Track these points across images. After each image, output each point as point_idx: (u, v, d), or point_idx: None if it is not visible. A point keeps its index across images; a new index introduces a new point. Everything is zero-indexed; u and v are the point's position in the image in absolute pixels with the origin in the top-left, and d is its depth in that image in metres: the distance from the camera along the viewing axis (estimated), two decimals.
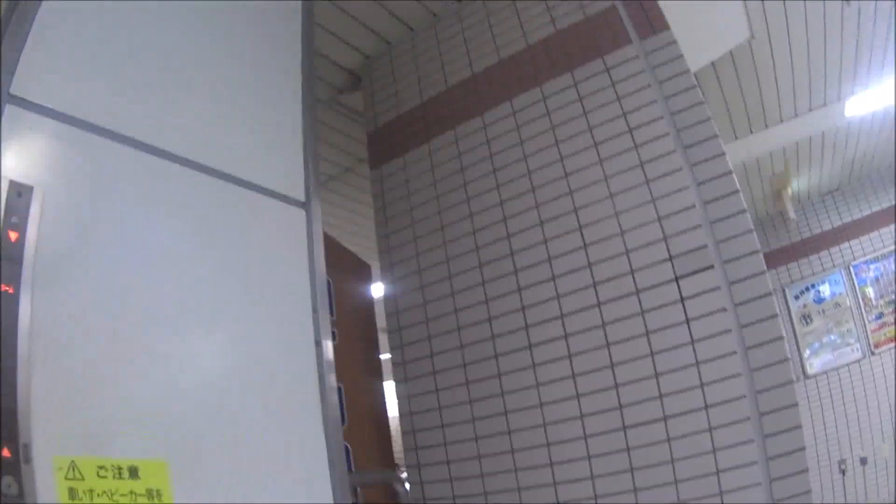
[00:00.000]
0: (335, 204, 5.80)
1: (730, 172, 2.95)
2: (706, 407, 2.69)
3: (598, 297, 2.99)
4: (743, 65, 5.63)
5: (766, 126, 6.80)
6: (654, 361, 2.81)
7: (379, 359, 4.07)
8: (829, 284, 9.18)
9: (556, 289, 3.09)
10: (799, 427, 2.59)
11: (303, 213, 2.41)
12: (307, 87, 2.57)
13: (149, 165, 1.79)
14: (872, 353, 8.88)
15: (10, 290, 1.33)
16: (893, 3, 5.15)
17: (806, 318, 9.04)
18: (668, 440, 2.72)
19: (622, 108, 3.17)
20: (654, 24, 3.37)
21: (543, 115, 3.37)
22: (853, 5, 3.91)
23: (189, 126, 1.98)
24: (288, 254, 2.26)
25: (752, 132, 6.78)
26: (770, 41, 5.48)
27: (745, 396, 2.64)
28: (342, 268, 3.90)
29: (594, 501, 2.82)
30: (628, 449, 2.80)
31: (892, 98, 7.01)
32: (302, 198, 2.40)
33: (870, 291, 9.19)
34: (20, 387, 1.31)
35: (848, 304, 9.12)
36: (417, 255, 3.53)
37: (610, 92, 3.23)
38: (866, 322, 9.05)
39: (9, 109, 1.46)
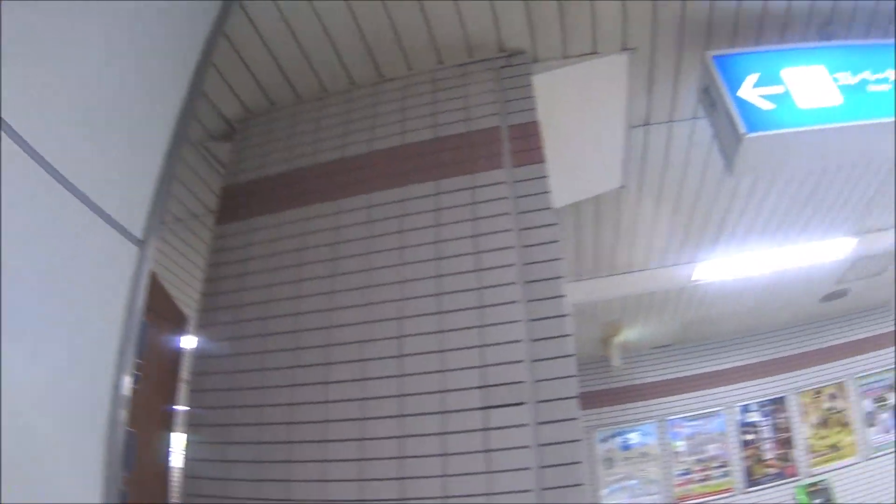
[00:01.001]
0: (170, 244, 5.61)
1: (564, 315, 2.97)
2: None
3: (400, 409, 2.91)
4: (605, 210, 5.80)
5: (612, 273, 6.99)
6: (445, 483, 2.74)
7: (174, 411, 3.90)
8: (640, 434, 9.45)
9: (362, 390, 3.00)
10: None
11: (136, 250, 2.31)
12: (181, 124, 2.49)
13: None
14: None
15: None
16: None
17: (609, 462, 9.25)
18: None
19: (474, 229, 3.19)
20: (531, 154, 3.43)
21: (397, 217, 3.35)
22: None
23: (48, 117, 1.86)
24: (111, 284, 2.14)
25: (596, 276, 6.95)
26: (639, 195, 5.66)
27: None
28: (160, 312, 3.76)
29: None
30: None
31: (737, 271, 7.39)
32: (139, 235, 2.29)
33: (680, 446, 9.52)
34: None
35: (656, 454, 9.40)
36: (237, 321, 3.39)
37: (468, 210, 3.25)
38: (671, 476, 9.34)
39: None
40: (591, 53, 4.10)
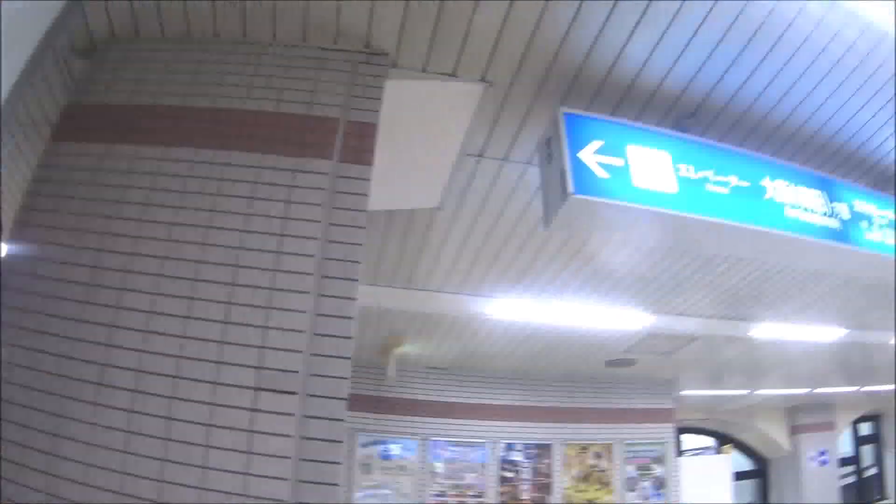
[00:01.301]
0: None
1: (351, 318, 3.06)
2: None
3: (177, 370, 2.90)
4: (416, 226, 5.90)
5: (407, 287, 7.07)
6: (206, 453, 2.76)
7: None
8: (401, 447, 9.55)
9: (144, 342, 2.96)
10: None
11: None
12: (54, 29, 2.37)
13: None
14: None
15: None
16: None
17: (367, 467, 9.30)
18: None
19: (285, 212, 3.23)
20: (361, 154, 3.50)
21: (216, 179, 3.33)
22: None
23: None
24: None
25: (391, 285, 7.00)
26: (454, 218, 5.78)
27: None
28: None
29: None
30: None
31: (530, 315, 7.64)
32: None
33: (440, 468, 9.68)
34: None
35: (413, 470, 9.52)
36: (46, 242, 3.27)
37: (284, 191, 3.29)
38: (426, 495, 9.49)
39: None
40: (450, 75, 4.19)
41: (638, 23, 3.99)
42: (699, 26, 4.06)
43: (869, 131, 5.37)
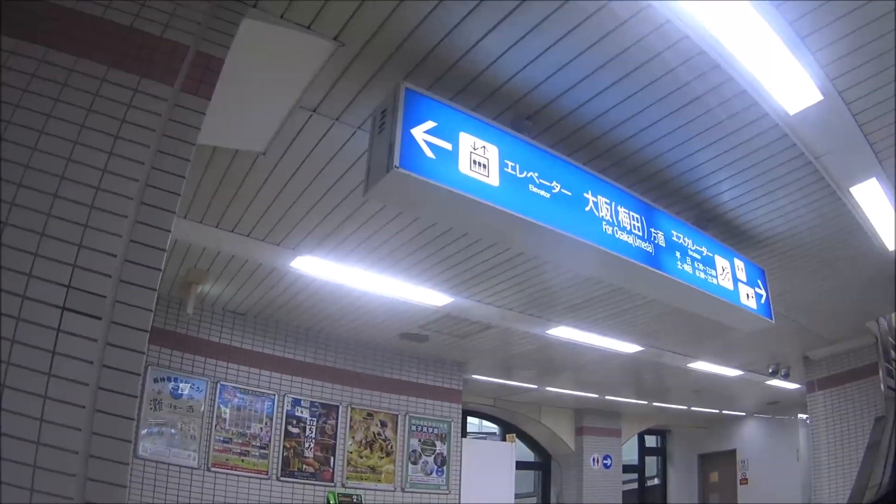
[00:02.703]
0: None
1: (163, 250, 3.02)
2: (38, 442, 2.55)
3: None
4: (238, 167, 5.85)
5: (217, 226, 6.99)
6: (6, 370, 2.59)
7: None
8: (191, 386, 9.41)
9: None
10: None
11: None
12: None
13: None
14: (209, 469, 9.21)
15: None
16: None
17: (156, 404, 9.11)
18: None
19: (118, 131, 3.12)
20: (202, 87, 3.42)
21: (58, 83, 3.11)
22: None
23: None
24: None
25: (202, 222, 6.89)
26: (274, 168, 5.77)
27: (77, 453, 2.59)
28: None
29: None
30: None
31: (337, 275, 7.66)
32: None
33: (226, 413, 9.58)
34: None
35: (202, 412, 9.39)
36: None
37: (121, 109, 3.16)
38: (212, 439, 9.37)
39: None
40: (306, 27, 4.16)
41: (502, 21, 4.12)
42: (562, 37, 4.24)
43: (706, 170, 5.78)
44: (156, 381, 9.19)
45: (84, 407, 2.66)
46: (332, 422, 10.82)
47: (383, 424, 11.36)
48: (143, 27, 3.44)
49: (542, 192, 4.66)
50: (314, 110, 5.01)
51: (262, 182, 6.10)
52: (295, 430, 10.40)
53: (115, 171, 3.03)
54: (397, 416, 11.55)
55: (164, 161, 3.16)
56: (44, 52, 3.18)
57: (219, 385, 9.60)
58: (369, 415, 11.26)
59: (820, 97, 4.58)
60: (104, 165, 3.02)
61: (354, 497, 10.53)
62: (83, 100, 3.13)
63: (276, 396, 10.29)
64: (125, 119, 3.14)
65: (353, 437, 11.00)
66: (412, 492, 11.35)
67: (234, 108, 4.45)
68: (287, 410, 10.37)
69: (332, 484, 10.59)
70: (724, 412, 18.00)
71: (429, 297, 8.76)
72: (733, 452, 18.81)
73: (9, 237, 2.77)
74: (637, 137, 5.30)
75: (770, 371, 12.27)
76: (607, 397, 15.69)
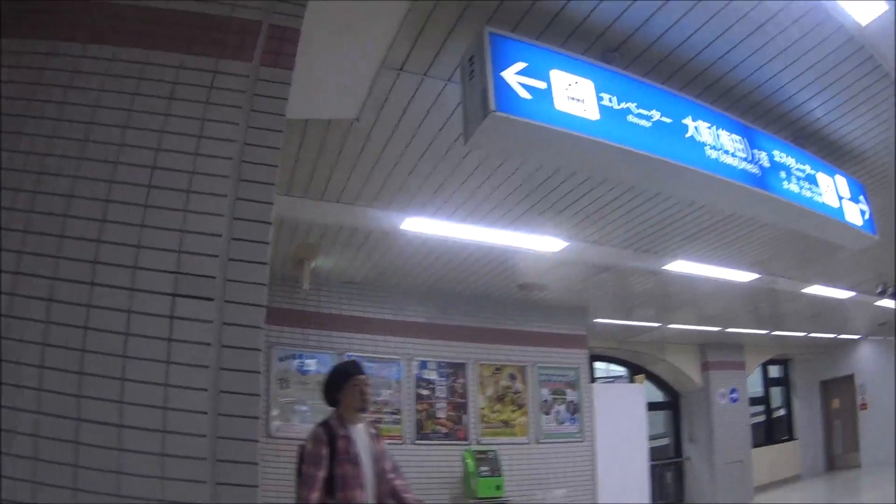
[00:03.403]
0: None
1: (269, 223, 3.00)
2: (164, 430, 2.61)
3: (91, 276, 2.76)
4: (332, 137, 5.84)
5: (321, 199, 6.99)
6: (124, 364, 2.66)
7: None
8: (317, 361, 9.54)
9: (57, 248, 2.79)
10: (255, 487, 2.63)
11: None
12: None
13: None
14: None
15: None
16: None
17: (284, 383, 9.29)
18: (119, 449, 2.57)
19: (204, 113, 3.11)
20: (282, 58, 3.38)
21: (135, 78, 3.15)
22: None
23: None
24: None
25: (305, 196, 6.93)
26: (370, 132, 5.72)
27: (205, 436, 2.62)
28: None
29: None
30: (76, 443, 2.57)
31: (448, 231, 7.63)
32: None
33: None
34: None
35: None
36: None
37: (202, 92, 3.16)
38: None
39: None
40: None
41: None
42: None
43: (792, 89, 5.57)
44: (281, 359, 9.37)
45: (206, 389, 2.69)
46: (462, 380, 10.86)
47: (512, 377, 11.33)
48: (212, 10, 3.41)
49: (642, 122, 4.56)
50: (401, 69, 4.94)
51: (360, 148, 6.09)
52: (425, 393, 10.50)
53: (206, 152, 3.04)
54: (525, 367, 11.48)
55: (255, 136, 3.14)
56: (114, 52, 3.21)
57: (345, 356, 9.70)
58: (497, 369, 11.24)
59: (886, 6, 4.37)
60: (195, 149, 3.03)
61: (489, 453, 10.48)
62: (162, 90, 3.15)
63: (403, 361, 10.38)
64: (209, 101, 3.14)
65: (484, 393, 11.01)
66: (547, 443, 11.28)
67: (319, 78, 4.42)
68: (416, 374, 10.46)
69: (467, 442, 10.63)
70: (840, 336, 17.60)
71: (543, 243, 8.61)
72: (851, 378, 18.41)
73: (111, 233, 2.83)
74: (723, 60, 5.13)
75: (878, 291, 11.87)
76: (728, 329, 15.34)
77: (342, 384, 4.73)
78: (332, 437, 4.52)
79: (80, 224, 2.85)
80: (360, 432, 4.69)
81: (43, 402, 2.62)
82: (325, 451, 4.45)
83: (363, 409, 4.75)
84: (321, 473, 4.39)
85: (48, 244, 2.82)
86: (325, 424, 4.64)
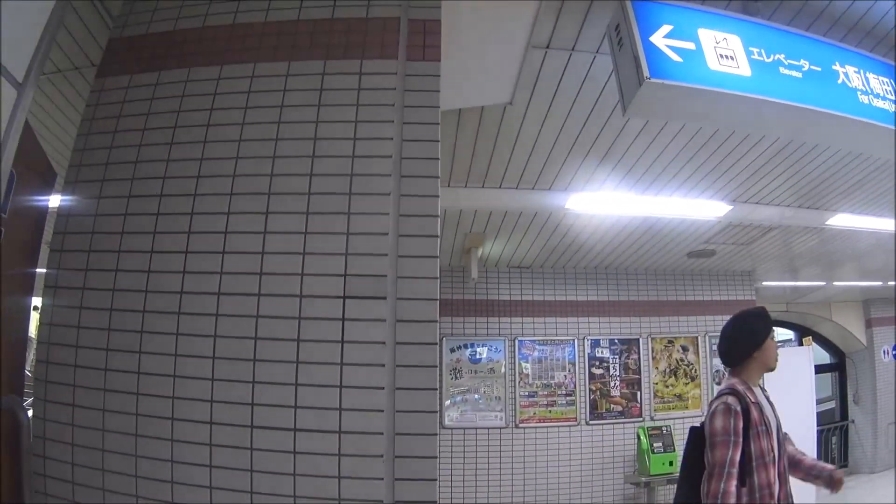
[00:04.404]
0: (47, 96, 5.28)
1: (436, 216, 2.95)
2: (340, 431, 2.65)
3: (259, 288, 2.86)
4: (488, 123, 5.84)
5: (483, 186, 7.02)
6: (297, 369, 2.72)
7: (34, 273, 3.71)
8: (489, 349, 9.62)
9: (221, 264, 2.93)
10: (434, 480, 2.61)
11: (14, 93, 2.16)
12: None
13: None
14: (517, 426, 9.42)
15: None
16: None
17: (456, 373, 9.41)
18: (296, 452, 2.65)
19: (356, 116, 3.11)
20: (427, 50, 3.34)
21: (277, 91, 3.21)
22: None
23: None
24: None
25: (466, 185, 6.96)
26: (525, 113, 5.69)
27: (382, 434, 2.64)
28: (28, 165, 3.54)
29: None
30: (251, 448, 2.68)
31: (611, 208, 7.54)
32: (20, 77, 2.14)
33: (528, 368, 9.73)
34: None
35: (503, 372, 9.60)
36: (103, 180, 3.21)
37: (352, 95, 3.16)
38: (518, 396, 9.56)
39: None
40: None
41: None
42: None
43: None
44: (452, 350, 9.49)
45: (383, 388, 2.70)
46: (634, 356, 10.74)
47: (684, 349, 11.11)
48: (346, 14, 3.43)
49: (794, 73, 4.36)
50: (547, 46, 4.88)
51: (516, 131, 6.09)
52: (598, 371, 10.45)
53: (363, 153, 3.04)
54: (697, 337, 11.23)
55: (412, 131, 3.12)
56: (252, 69, 3.29)
57: (516, 341, 9.76)
58: (669, 342, 11.05)
59: None
60: (351, 152, 3.04)
61: (663, 428, 10.32)
62: (308, 98, 3.19)
63: (576, 341, 10.33)
64: (359, 103, 3.15)
65: (657, 368, 10.84)
66: None
67: (468, 66, 4.41)
68: (588, 353, 10.38)
69: (641, 419, 10.51)
70: None
71: (708, 208, 8.44)
72: None
73: (272, 244, 2.90)
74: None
75: None
76: (890, 283, 14.41)
77: (761, 340, 4.17)
78: (744, 407, 3.87)
79: (241, 239, 2.95)
80: (761, 396, 4.13)
81: (216, 412, 2.73)
82: (741, 424, 3.78)
83: (772, 370, 4.23)
84: (738, 455, 3.73)
85: (211, 262, 2.94)
86: (732, 391, 3.98)
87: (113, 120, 3.35)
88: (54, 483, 2.86)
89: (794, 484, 4.13)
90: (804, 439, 11.48)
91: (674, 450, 10.01)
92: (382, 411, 2.67)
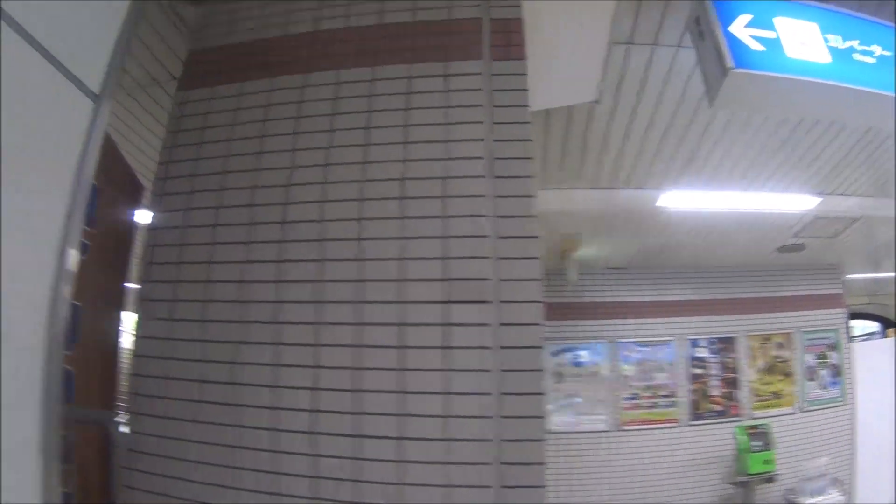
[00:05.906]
0: (129, 111, 5.34)
1: (533, 216, 2.90)
2: (446, 438, 2.59)
3: (356, 295, 2.82)
4: (576, 123, 5.79)
5: (576, 187, 6.97)
6: (401, 377, 2.68)
7: (125, 288, 3.74)
8: (591, 352, 9.54)
9: (319, 272, 2.89)
10: (542, 487, 2.54)
11: (91, 105, 2.14)
12: None
13: None
14: (619, 430, 9.32)
15: None
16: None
17: (559, 377, 9.34)
18: (401, 461, 2.60)
19: (445, 117, 3.07)
20: (512, 49, 3.30)
21: (366, 96, 3.19)
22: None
23: None
24: (60, 141, 1.97)
25: (560, 187, 6.92)
26: (613, 112, 5.66)
27: (490, 441, 2.57)
28: (114, 180, 3.57)
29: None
30: (352, 458, 2.65)
31: (702, 204, 7.43)
32: (95, 89, 2.12)
33: (630, 371, 9.64)
34: None
35: (605, 375, 9.52)
36: (192, 191, 3.22)
37: (440, 97, 3.12)
38: (620, 398, 9.48)
39: None
40: None
41: None
42: None
43: None
44: (554, 354, 9.40)
45: (490, 394, 2.63)
46: (732, 355, 10.55)
47: (779, 346, 10.87)
48: (428, 17, 3.41)
49: (867, 59, 4.29)
50: (629, 42, 4.86)
51: (605, 130, 6.06)
52: (698, 371, 10.29)
53: (455, 155, 3.00)
54: (791, 333, 10.97)
55: (503, 131, 3.06)
56: (336, 75, 3.28)
57: (617, 343, 9.62)
58: (766, 339, 10.80)
59: None
60: (443, 154, 3.01)
61: (761, 427, 10.08)
62: (395, 102, 3.16)
63: (675, 341, 10.15)
64: (448, 105, 3.11)
65: (755, 365, 10.62)
66: (809, 411, 10.71)
67: (552, 66, 4.36)
68: (688, 353, 10.25)
69: (740, 418, 10.31)
70: None
71: (796, 201, 8.28)
72: None
73: (370, 250, 2.86)
74: None
75: None
76: None
77: None
78: None
79: (336, 246, 2.92)
80: None
81: (320, 421, 2.70)
82: None
83: None
84: None
85: (306, 271, 2.91)
86: None
87: (198, 132, 3.37)
88: (144, 496, 2.85)
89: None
90: (888, 432, 11.22)
91: (770, 448, 9.81)
92: (490, 417, 2.61)
